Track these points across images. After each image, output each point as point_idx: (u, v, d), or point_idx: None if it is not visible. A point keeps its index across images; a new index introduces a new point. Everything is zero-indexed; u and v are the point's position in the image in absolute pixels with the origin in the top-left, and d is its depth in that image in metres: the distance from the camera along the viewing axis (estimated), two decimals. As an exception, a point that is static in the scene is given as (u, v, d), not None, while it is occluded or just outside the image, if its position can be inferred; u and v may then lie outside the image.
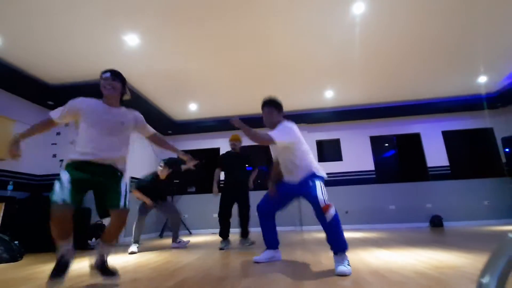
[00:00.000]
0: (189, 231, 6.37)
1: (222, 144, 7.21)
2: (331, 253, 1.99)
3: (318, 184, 2.07)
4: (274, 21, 3.42)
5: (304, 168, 2.21)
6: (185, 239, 4.08)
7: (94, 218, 4.45)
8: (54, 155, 4.99)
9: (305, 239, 4.15)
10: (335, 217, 1.94)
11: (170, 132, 7.15)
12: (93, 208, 4.51)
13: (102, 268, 1.78)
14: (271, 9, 3.22)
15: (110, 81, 1.86)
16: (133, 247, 3.49)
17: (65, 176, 1.66)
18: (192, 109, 6.01)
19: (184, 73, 4.55)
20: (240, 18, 3.34)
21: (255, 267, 2.17)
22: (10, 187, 4.15)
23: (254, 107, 6.11)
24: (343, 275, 1.75)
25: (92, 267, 1.81)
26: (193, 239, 4.98)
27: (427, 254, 2.41)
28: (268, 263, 2.31)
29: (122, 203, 1.77)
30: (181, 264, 2.48)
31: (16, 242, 3.29)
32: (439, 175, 6.24)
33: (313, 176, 2.15)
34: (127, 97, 2.02)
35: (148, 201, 3.68)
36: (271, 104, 2.44)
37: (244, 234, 3.54)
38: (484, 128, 6.44)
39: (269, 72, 4.65)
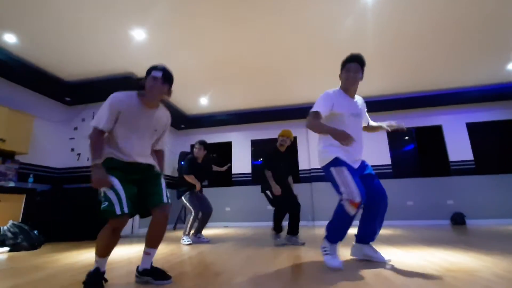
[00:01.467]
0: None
1: (234, 137, 7.21)
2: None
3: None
4: (282, 11, 3.29)
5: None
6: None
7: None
8: (72, 149, 5.19)
9: (315, 235, 4.06)
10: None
11: (183, 126, 7.22)
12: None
13: (155, 272, 1.66)
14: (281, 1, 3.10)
15: (159, 84, 1.67)
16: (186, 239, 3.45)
17: (115, 182, 1.54)
18: (203, 103, 6.01)
19: (193, 67, 4.54)
20: (248, 12, 3.24)
21: (255, 263, 2.12)
22: (30, 179, 4.37)
23: (264, 100, 6.02)
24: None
25: (141, 274, 1.67)
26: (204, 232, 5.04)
27: (442, 254, 2.25)
28: (268, 259, 2.26)
29: (165, 199, 1.66)
30: (184, 257, 2.49)
31: (35, 231, 3.46)
32: (462, 170, 5.86)
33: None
34: (167, 97, 1.80)
35: (198, 186, 3.56)
36: (362, 63, 2.15)
37: (296, 231, 3.15)
38: (515, 119, 5.95)
39: (280, 64, 4.52)
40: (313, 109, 2.01)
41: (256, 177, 6.78)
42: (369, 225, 2.08)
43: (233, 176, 6.94)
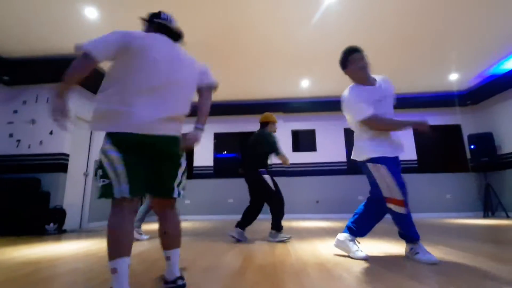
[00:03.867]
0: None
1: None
2: (296, 244, 1.98)
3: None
4: (252, 8, 3.26)
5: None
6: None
7: (53, 203, 4.24)
8: (11, 135, 4.64)
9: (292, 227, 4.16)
10: None
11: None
12: (52, 192, 4.29)
13: (178, 280, 1.25)
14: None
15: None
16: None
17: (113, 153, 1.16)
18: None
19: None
20: (218, 4, 3.15)
21: (229, 257, 2.12)
22: (-44, 167, 3.83)
23: (233, 94, 5.97)
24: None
25: (167, 282, 1.27)
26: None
27: (379, 246, 2.46)
28: (244, 251, 2.27)
29: (175, 193, 1.31)
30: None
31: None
32: (407, 168, 6.44)
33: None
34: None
35: None
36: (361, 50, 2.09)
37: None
38: (453, 124, 6.66)
39: (245, 57, 4.50)
40: (366, 115, 1.86)
41: (218, 170, 6.73)
42: (371, 222, 2.10)
43: (194, 168, 6.80)
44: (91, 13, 3.29)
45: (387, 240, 2.79)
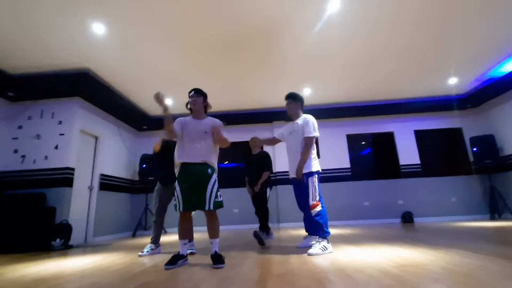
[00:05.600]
0: (164, 230, 6.19)
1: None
2: (300, 253, 2.02)
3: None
4: (251, 17, 3.33)
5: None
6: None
7: (59, 218, 4.19)
8: (16, 151, 4.63)
9: (280, 236, 4.13)
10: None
11: (145, 127, 6.89)
12: (58, 207, 4.25)
13: (214, 257, 2.18)
14: (249, 5, 3.13)
15: (195, 97, 2.42)
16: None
17: (177, 187, 2.28)
18: (168, 104, 5.79)
19: (156, 66, 4.37)
20: (214, 11, 3.22)
21: (220, 271, 2.09)
22: (-39, 185, 3.80)
23: (232, 104, 6.02)
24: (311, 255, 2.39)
25: (211, 256, 2.22)
26: (167, 238, 4.84)
27: (395, 251, 2.44)
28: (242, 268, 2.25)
29: (207, 206, 2.25)
30: (147, 266, 2.36)
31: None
32: (411, 172, 6.46)
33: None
34: (210, 108, 2.54)
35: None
36: (296, 99, 2.94)
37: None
38: (454, 128, 6.72)
39: (244, 66, 4.56)
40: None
41: (220, 180, 6.69)
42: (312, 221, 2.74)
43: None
44: (98, 29, 3.34)
45: (402, 245, 2.78)
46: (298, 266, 2.03)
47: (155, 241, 3.04)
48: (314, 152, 2.82)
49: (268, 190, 3.53)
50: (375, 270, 1.77)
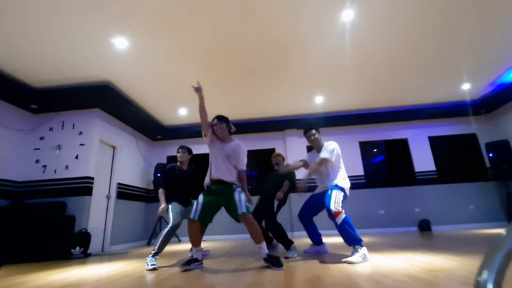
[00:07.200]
0: (178, 238, 6.22)
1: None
2: (327, 258, 2.03)
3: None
4: (264, 28, 3.43)
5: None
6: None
7: (78, 226, 4.29)
8: (37, 161, 4.79)
9: (297, 244, 4.10)
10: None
11: (159, 137, 7.03)
12: (77, 215, 4.36)
13: (270, 260, 2.31)
14: (263, 16, 3.23)
15: (218, 124, 2.68)
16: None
17: (200, 198, 2.52)
18: (182, 114, 5.94)
19: (174, 78, 4.50)
20: (231, 25, 3.34)
21: (243, 276, 2.11)
22: (-13, 194, 3.94)
23: (246, 113, 6.11)
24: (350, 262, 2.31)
25: (264, 259, 2.37)
26: (182, 247, 4.86)
27: (418, 257, 2.42)
28: (266, 275, 2.26)
29: (239, 210, 2.37)
30: (170, 272, 2.40)
31: (-7, 252, 3.11)
32: (426, 179, 6.36)
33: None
34: (233, 130, 2.79)
35: (161, 207, 2.97)
36: (317, 130, 3.10)
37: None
38: (468, 133, 6.63)
39: (258, 77, 4.65)
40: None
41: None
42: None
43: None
44: (120, 43, 3.49)
45: (424, 252, 2.74)
46: (323, 272, 2.03)
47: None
48: (343, 171, 2.89)
49: (275, 202, 3.40)
50: (403, 276, 1.76)
